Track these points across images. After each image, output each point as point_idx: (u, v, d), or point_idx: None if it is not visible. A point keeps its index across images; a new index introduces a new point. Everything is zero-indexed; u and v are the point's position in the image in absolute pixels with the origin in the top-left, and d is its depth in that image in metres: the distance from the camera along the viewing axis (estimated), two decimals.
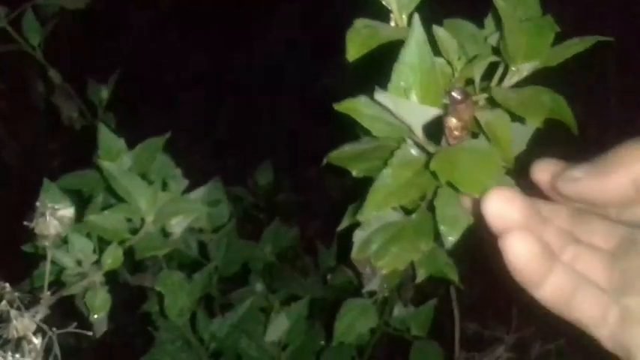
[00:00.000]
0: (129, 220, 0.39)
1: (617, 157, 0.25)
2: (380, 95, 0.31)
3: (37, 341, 0.23)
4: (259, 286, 0.76)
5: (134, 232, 0.39)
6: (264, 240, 0.82)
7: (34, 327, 0.23)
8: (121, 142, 0.45)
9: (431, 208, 0.34)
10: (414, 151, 0.32)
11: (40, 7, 0.66)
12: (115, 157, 0.44)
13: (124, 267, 0.40)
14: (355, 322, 0.51)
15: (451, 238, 0.33)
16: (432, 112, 0.30)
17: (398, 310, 0.56)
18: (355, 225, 0.38)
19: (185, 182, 0.51)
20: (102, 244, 0.37)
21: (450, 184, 0.29)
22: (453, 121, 0.29)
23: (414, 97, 0.31)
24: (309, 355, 0.67)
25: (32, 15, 0.64)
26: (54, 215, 0.24)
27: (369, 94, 0.32)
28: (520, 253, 0.25)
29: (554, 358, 0.91)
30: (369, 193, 0.31)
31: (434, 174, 0.30)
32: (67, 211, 0.24)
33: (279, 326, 0.61)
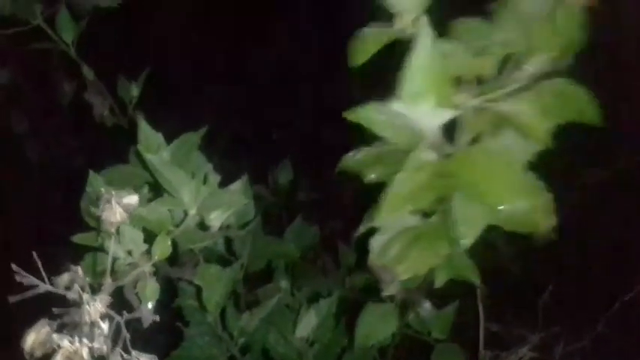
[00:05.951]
0: (171, 212, 0.39)
1: None
2: (394, 104, 0.31)
3: (104, 326, 0.23)
4: (284, 283, 0.76)
5: (176, 225, 0.40)
6: (287, 238, 0.82)
7: (103, 311, 0.23)
8: (159, 137, 0.46)
9: (449, 211, 0.33)
10: (429, 154, 0.32)
11: (74, 5, 0.67)
12: (155, 151, 0.44)
13: (164, 260, 0.40)
14: (376, 327, 0.51)
15: (465, 241, 0.32)
16: (448, 114, 0.30)
17: (419, 312, 0.55)
18: (373, 229, 0.37)
19: (218, 177, 0.51)
20: (147, 237, 0.38)
21: (470, 185, 0.29)
22: None
23: (428, 101, 0.30)
24: (334, 352, 0.67)
25: (67, 13, 0.65)
26: (119, 203, 0.24)
27: (384, 91, 0.31)
28: None
29: (577, 359, 0.90)
30: (384, 198, 0.31)
31: (452, 174, 0.29)
32: (131, 199, 0.24)
33: (308, 323, 0.61)
